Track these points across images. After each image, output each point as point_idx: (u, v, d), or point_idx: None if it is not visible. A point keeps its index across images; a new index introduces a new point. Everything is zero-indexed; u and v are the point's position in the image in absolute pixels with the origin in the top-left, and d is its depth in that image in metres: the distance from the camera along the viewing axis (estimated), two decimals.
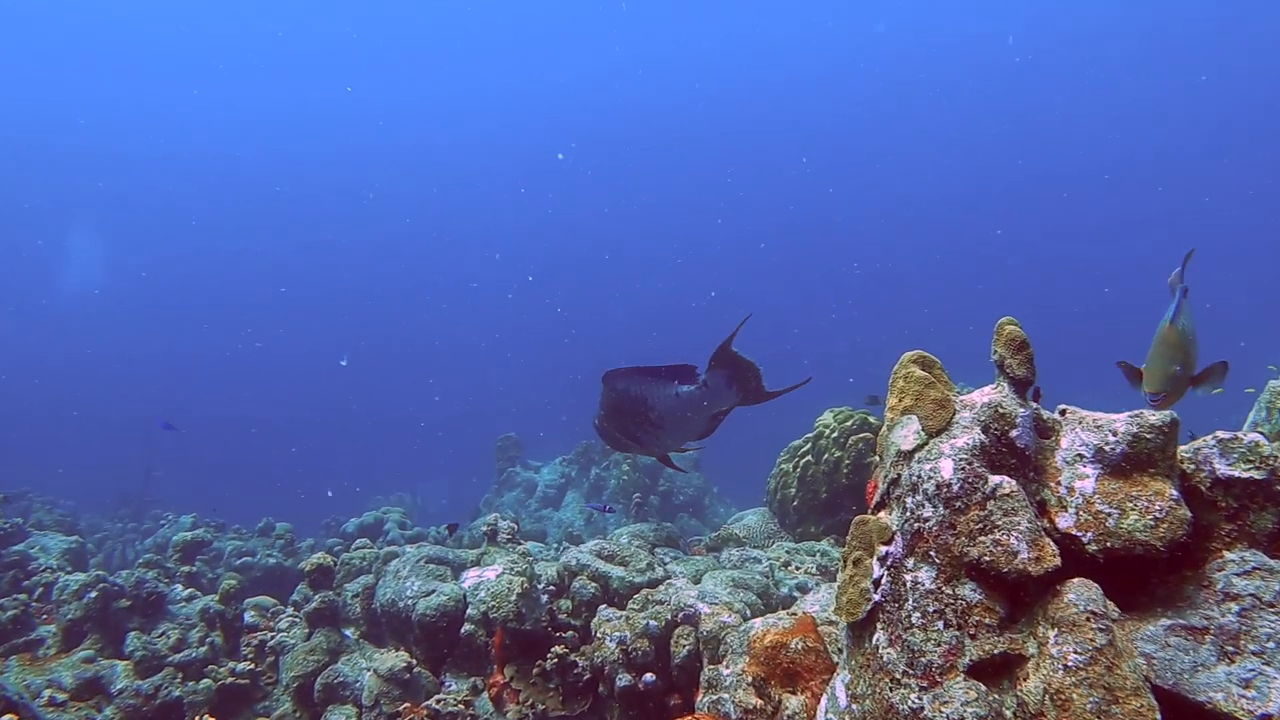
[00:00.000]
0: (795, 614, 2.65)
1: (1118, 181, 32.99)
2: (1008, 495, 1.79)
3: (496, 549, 3.86)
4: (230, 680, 3.78)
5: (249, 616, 4.20)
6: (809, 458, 4.67)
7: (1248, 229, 30.42)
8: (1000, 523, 1.77)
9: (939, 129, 34.01)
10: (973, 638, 1.74)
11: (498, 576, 3.50)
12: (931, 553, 1.83)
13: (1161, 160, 31.93)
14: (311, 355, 36.64)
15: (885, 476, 2.04)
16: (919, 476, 1.89)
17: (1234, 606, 1.71)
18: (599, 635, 3.11)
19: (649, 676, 2.99)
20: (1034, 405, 1.99)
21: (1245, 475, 1.78)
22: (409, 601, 3.57)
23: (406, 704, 3.26)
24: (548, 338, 35.79)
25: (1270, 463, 1.78)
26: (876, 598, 1.92)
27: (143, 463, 11.91)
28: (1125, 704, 1.56)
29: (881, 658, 1.86)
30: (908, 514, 1.90)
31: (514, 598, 3.35)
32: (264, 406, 32.91)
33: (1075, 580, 1.72)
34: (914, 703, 1.74)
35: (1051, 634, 1.68)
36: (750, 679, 2.42)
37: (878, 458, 4.37)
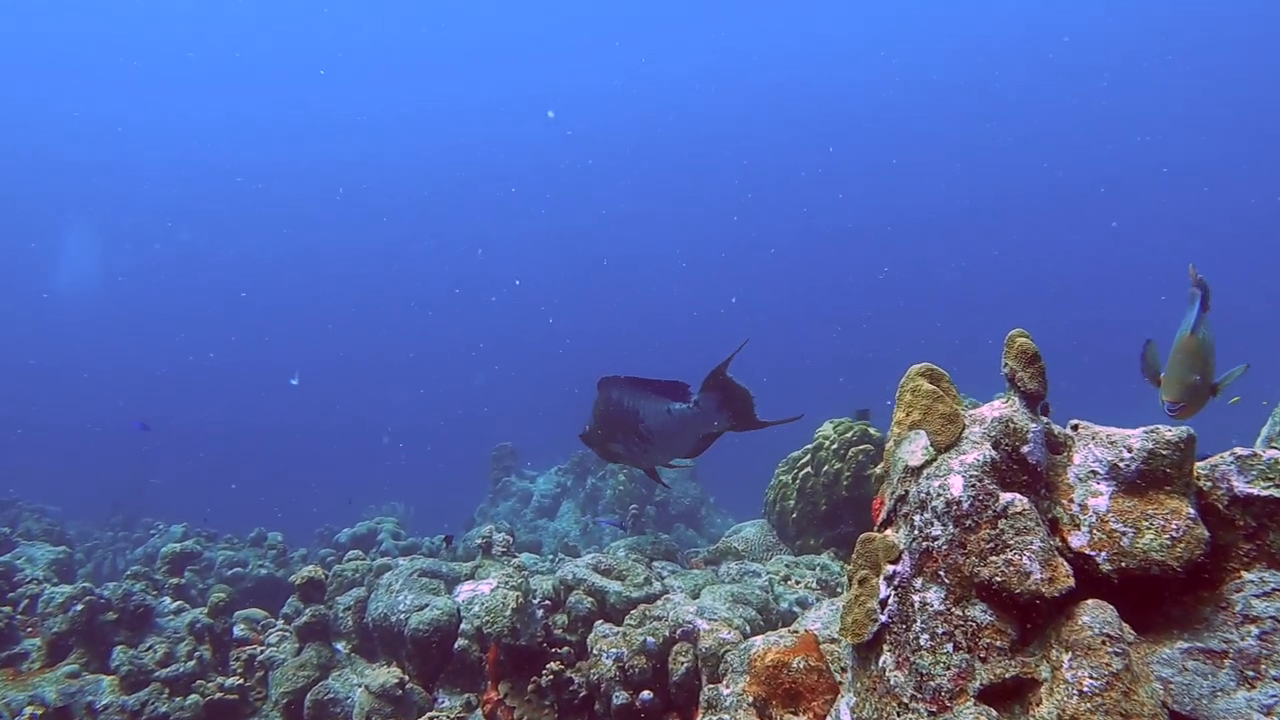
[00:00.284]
0: (797, 631, 2.59)
1: (1133, 191, 32.92)
2: (1020, 513, 1.73)
3: (491, 562, 3.80)
4: (219, 696, 3.70)
5: (238, 630, 4.13)
6: (808, 469, 4.61)
7: (1266, 238, 30.27)
8: (1012, 542, 1.71)
9: (951, 135, 33.99)
10: (983, 661, 1.69)
11: (492, 590, 3.44)
12: (941, 572, 1.77)
13: (1179, 168, 31.84)
14: (304, 362, 36.54)
15: (892, 493, 1.98)
16: (927, 493, 1.84)
17: (1254, 629, 1.65)
18: (595, 651, 3.04)
19: (646, 694, 2.93)
20: (1045, 420, 1.93)
21: (1265, 493, 1.73)
22: (401, 616, 3.51)
23: None
24: (542, 346, 35.73)
25: None
26: (883, 618, 1.86)
27: (134, 468, 11.81)
28: None
29: (889, 681, 1.80)
30: (916, 532, 1.84)
31: (509, 612, 3.28)
32: (256, 413, 32.74)
33: (1089, 602, 1.67)
34: None
35: (1065, 658, 1.63)
36: (751, 699, 2.35)
37: (879, 470, 4.31)
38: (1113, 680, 1.56)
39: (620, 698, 2.92)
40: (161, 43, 32.16)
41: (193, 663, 3.85)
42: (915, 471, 1.90)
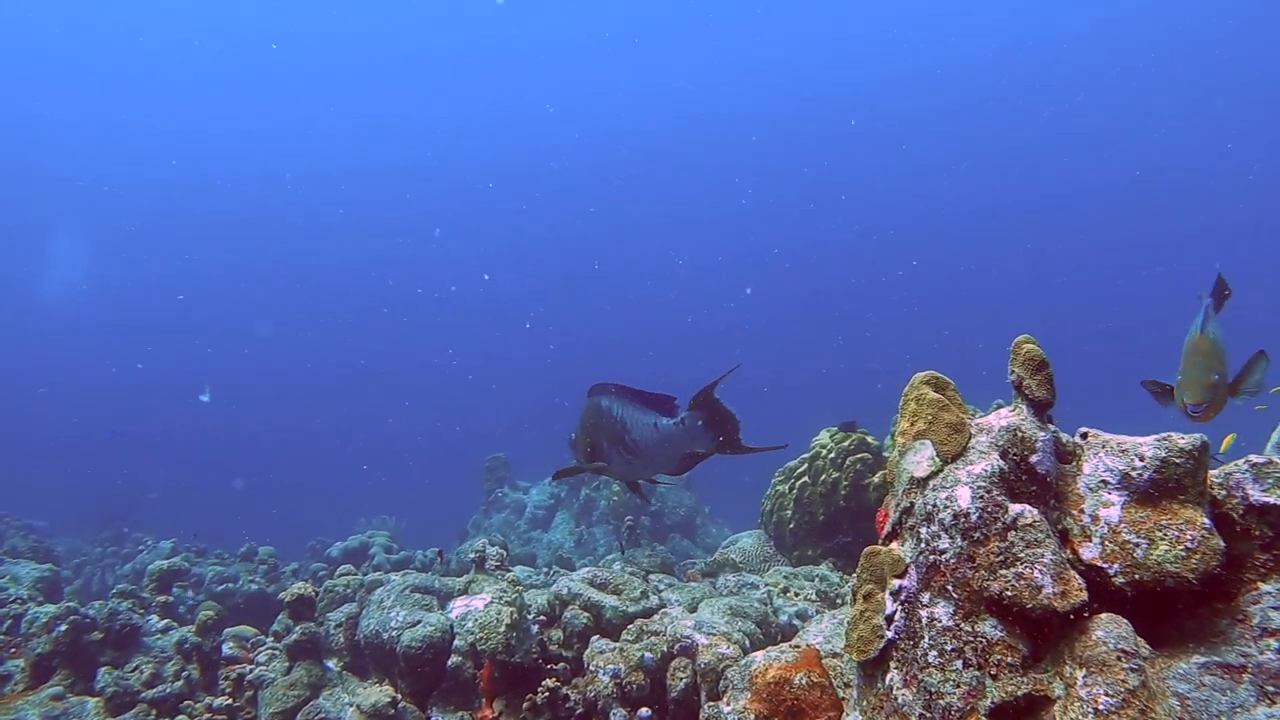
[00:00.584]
0: (798, 646, 2.53)
1: (1138, 195, 32.94)
2: (1030, 525, 1.68)
3: (485, 576, 3.73)
4: (207, 716, 3.62)
5: (227, 648, 4.04)
6: (805, 479, 4.56)
7: (1271, 240, 30.25)
8: (1023, 555, 1.66)
9: (952, 141, 34.01)
10: (994, 678, 1.63)
11: (486, 606, 3.37)
12: (949, 587, 1.72)
13: (1185, 173, 31.88)
14: (297, 370, 36.40)
15: (897, 505, 1.93)
16: (934, 505, 1.78)
17: (1273, 643, 1.60)
18: (592, 668, 2.98)
19: (644, 711, 2.87)
20: (1053, 428, 1.88)
21: None
22: (394, 633, 3.43)
23: None
24: (534, 356, 35.63)
25: None
26: (890, 635, 1.80)
27: (124, 481, 11.69)
28: None
29: (896, 699, 1.74)
30: (922, 545, 1.79)
31: (503, 628, 3.22)
32: (246, 424, 32.54)
33: (1103, 616, 1.62)
34: None
35: (1080, 674, 1.57)
36: (753, 716, 2.29)
37: (877, 480, 4.26)
38: (1129, 697, 1.51)
39: (618, 715, 2.86)
40: (151, 51, 32.08)
41: (180, 683, 3.77)
42: (921, 483, 1.85)
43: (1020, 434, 1.81)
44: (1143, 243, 33.07)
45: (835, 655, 2.57)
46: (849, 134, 35.07)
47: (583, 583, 3.48)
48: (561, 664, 3.24)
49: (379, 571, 5.41)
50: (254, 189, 36.34)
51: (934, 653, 1.69)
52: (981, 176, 34.61)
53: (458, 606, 3.50)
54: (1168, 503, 1.71)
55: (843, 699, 2.32)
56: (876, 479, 4.29)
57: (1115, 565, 1.69)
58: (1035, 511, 1.70)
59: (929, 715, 1.66)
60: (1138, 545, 1.69)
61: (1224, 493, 1.75)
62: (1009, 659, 1.63)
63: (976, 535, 1.71)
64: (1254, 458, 1.73)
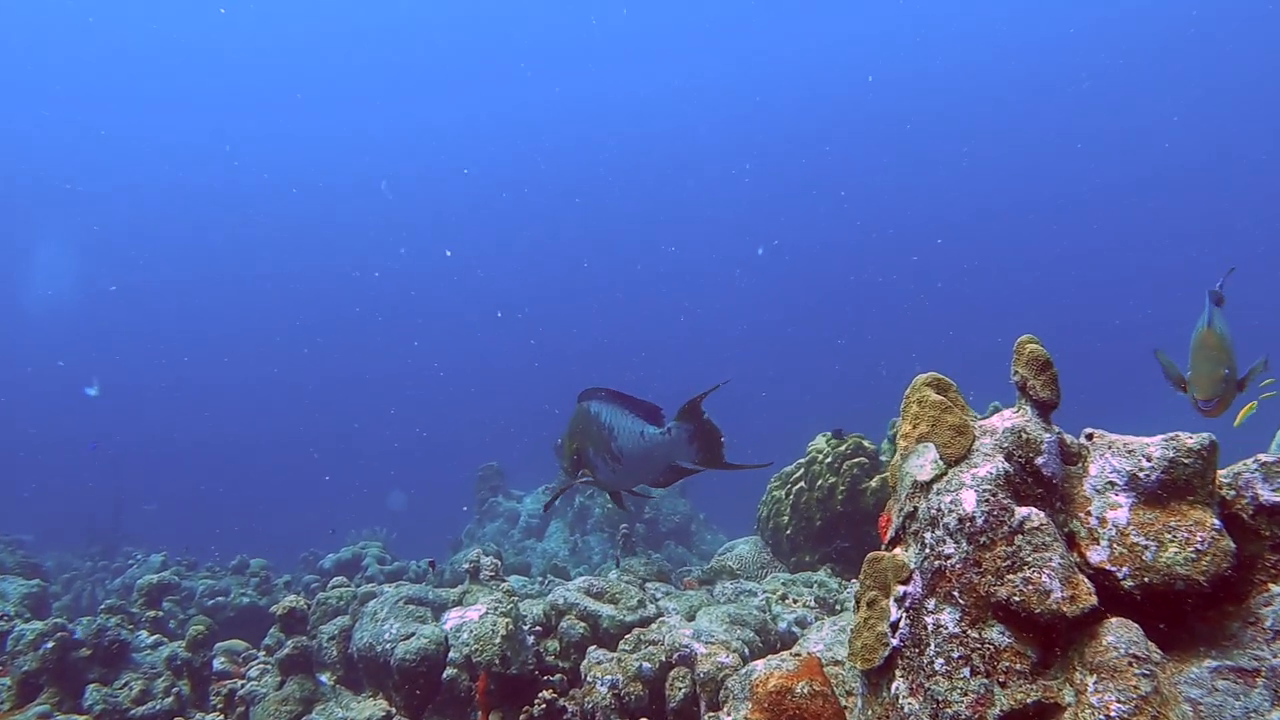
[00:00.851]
0: (799, 654, 2.49)
1: (1138, 195, 33.01)
2: (1037, 529, 1.64)
3: (479, 587, 3.68)
4: None
5: (219, 663, 3.99)
6: (802, 484, 4.52)
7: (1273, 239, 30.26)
8: (1030, 559, 1.62)
9: (948, 144, 34.06)
10: (1003, 686, 1.59)
11: (481, 617, 3.32)
12: (955, 593, 1.68)
13: (1187, 173, 31.92)
14: (290, 378, 36.24)
15: (900, 510, 1.89)
16: (939, 509, 1.74)
17: None
18: (589, 679, 2.93)
19: None
20: (1057, 429, 1.84)
21: None
22: (387, 645, 3.38)
23: None
24: (528, 365, 35.56)
25: None
26: (895, 642, 1.76)
27: (114, 493, 11.58)
28: None
29: (902, 708, 1.70)
30: (927, 550, 1.75)
31: (498, 640, 3.17)
32: (237, 432, 32.38)
33: (1113, 621, 1.58)
34: None
35: (1090, 681, 1.53)
36: None
37: (874, 484, 4.23)
38: (1141, 704, 1.47)
39: None
40: (144, 56, 31.95)
41: (170, 699, 3.71)
42: (925, 486, 1.81)
43: (1025, 436, 1.77)
44: (1141, 242, 33.11)
45: (837, 663, 2.53)
46: (849, 134, 35.10)
47: (579, 592, 3.43)
48: (558, 675, 3.20)
49: (372, 583, 5.35)
50: (241, 195, 36.23)
51: (941, 660, 1.65)
52: (980, 176, 34.71)
53: (452, 618, 3.45)
54: (1176, 504, 1.67)
55: (845, 708, 2.28)
56: (874, 483, 4.26)
57: (1124, 568, 1.66)
58: (1042, 515, 1.66)
59: None
60: (1147, 547, 1.65)
61: (1233, 493, 1.71)
62: (1017, 666, 1.59)
63: (982, 540, 1.67)
64: (1263, 456, 1.70)
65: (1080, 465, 1.81)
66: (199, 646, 3.90)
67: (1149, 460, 1.70)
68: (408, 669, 3.27)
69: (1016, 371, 1.85)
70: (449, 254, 37.63)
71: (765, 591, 3.65)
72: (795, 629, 3.28)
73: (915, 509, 1.82)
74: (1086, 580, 1.61)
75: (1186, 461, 1.67)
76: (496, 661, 3.14)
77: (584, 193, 38.32)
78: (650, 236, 38.42)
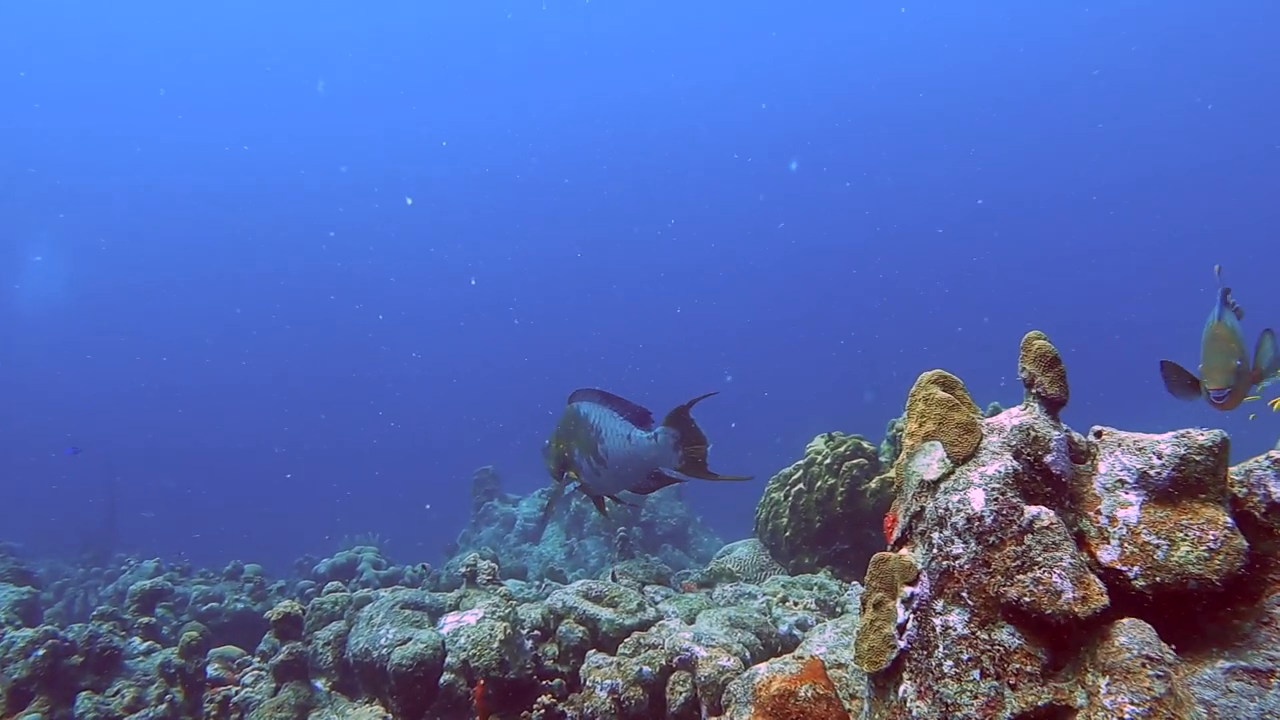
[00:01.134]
0: (802, 657, 2.46)
1: (1145, 194, 32.97)
2: (1047, 528, 1.61)
3: (476, 591, 3.64)
4: None
5: (213, 669, 3.94)
6: (801, 485, 4.49)
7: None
8: (1040, 559, 1.59)
9: (946, 142, 34.08)
10: (1013, 688, 1.56)
11: (478, 621, 3.28)
12: (963, 594, 1.65)
13: (1193, 171, 31.90)
14: (285, 382, 36.12)
15: (906, 509, 1.86)
16: (946, 509, 1.71)
17: None
18: (589, 683, 2.90)
19: None
20: (1066, 428, 1.82)
21: None
22: (383, 650, 3.34)
23: None
24: (523, 367, 35.50)
25: None
26: (902, 645, 1.73)
27: (106, 500, 11.52)
28: None
29: (910, 712, 1.67)
30: (935, 551, 1.72)
31: (496, 644, 3.13)
32: (228, 436, 32.25)
33: (1125, 621, 1.55)
34: None
35: (1103, 682, 1.50)
36: None
37: (874, 485, 4.20)
38: (1156, 706, 1.44)
39: None
40: (139, 56, 31.87)
41: (164, 706, 3.66)
42: (932, 486, 1.78)
43: (1033, 433, 1.74)
44: (1147, 240, 33.08)
45: (840, 666, 2.50)
46: (854, 132, 35.11)
47: (578, 595, 3.40)
48: (557, 680, 3.16)
49: (368, 588, 5.31)
50: (236, 197, 36.13)
51: (949, 662, 1.62)
52: (982, 175, 34.64)
53: (449, 622, 3.41)
54: (1188, 502, 1.65)
55: (849, 711, 2.24)
56: (874, 485, 4.23)
57: (1135, 568, 1.63)
58: (1052, 513, 1.63)
59: None
60: (1158, 546, 1.62)
61: (1245, 490, 1.69)
62: (1028, 668, 1.57)
63: (991, 539, 1.64)
64: (1275, 453, 1.68)
65: (1089, 463, 1.79)
66: (193, 653, 3.85)
67: (1160, 458, 1.67)
68: (404, 674, 3.23)
69: (1024, 368, 1.82)
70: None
71: (765, 594, 3.62)
72: (796, 632, 3.25)
73: (922, 508, 1.79)
74: (1098, 580, 1.58)
75: (1198, 459, 1.64)
76: (494, 666, 3.10)
77: (583, 192, 38.32)
78: (650, 235, 38.39)
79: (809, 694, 2.22)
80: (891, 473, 4.19)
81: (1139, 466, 1.69)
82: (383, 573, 6.48)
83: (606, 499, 4.07)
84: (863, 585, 3.76)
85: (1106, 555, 1.66)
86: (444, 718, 3.23)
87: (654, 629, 3.11)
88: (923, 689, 1.66)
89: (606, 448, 3.63)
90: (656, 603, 3.48)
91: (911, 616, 1.73)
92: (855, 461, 4.30)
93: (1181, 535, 1.61)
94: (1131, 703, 1.45)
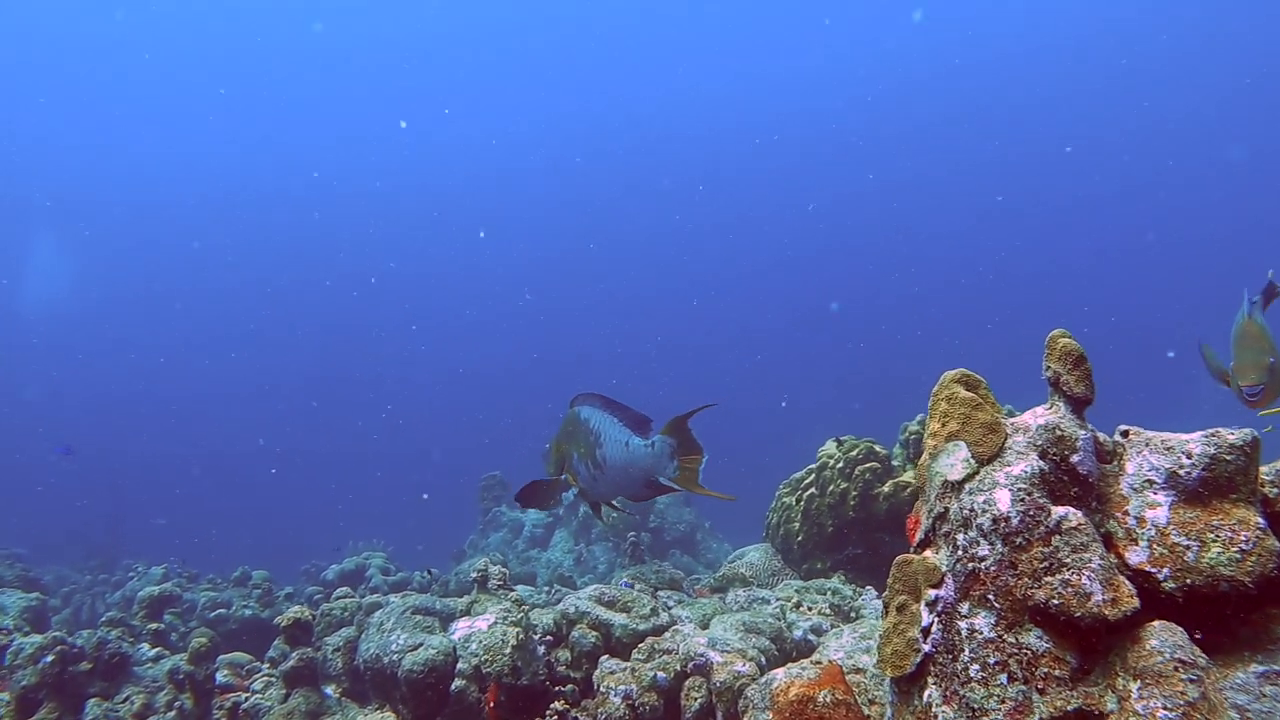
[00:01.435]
0: (819, 662, 2.43)
1: (1160, 196, 32.84)
2: (1075, 529, 1.58)
3: (488, 596, 3.61)
4: None
5: (222, 676, 3.91)
6: (813, 490, 4.46)
7: None
8: (1069, 560, 1.56)
9: (952, 145, 34.01)
10: (1041, 692, 1.53)
11: (490, 627, 3.26)
12: (990, 596, 1.62)
13: (1211, 171, 31.76)
14: (286, 385, 36.13)
15: (930, 511, 1.83)
16: (972, 510, 1.68)
17: None
18: (602, 689, 2.87)
19: None
20: (1091, 427, 1.79)
21: None
22: (394, 656, 3.31)
23: None
24: (532, 373, 35.46)
25: None
26: (927, 648, 1.70)
27: (110, 505, 11.51)
28: None
29: (935, 717, 1.64)
30: (960, 552, 1.69)
31: (508, 650, 3.10)
32: (232, 440, 32.22)
33: (1156, 624, 1.52)
34: None
35: (1134, 687, 1.47)
36: None
37: (887, 489, 4.17)
38: (1189, 711, 1.41)
39: None
40: (141, 59, 31.98)
41: (173, 713, 3.64)
42: (956, 486, 1.75)
43: (1059, 433, 1.71)
44: (1168, 242, 32.87)
45: (858, 671, 2.46)
46: (870, 133, 35.04)
47: (590, 600, 3.37)
48: (570, 685, 3.13)
49: (376, 594, 5.28)
50: (240, 202, 36.21)
51: (976, 666, 1.59)
52: (995, 177, 34.46)
53: (460, 628, 3.38)
54: (1218, 502, 1.62)
55: (868, 716, 2.21)
56: (887, 489, 4.20)
57: (1165, 569, 1.60)
58: (1080, 514, 1.60)
59: None
60: (1188, 548, 1.59)
61: (1275, 490, 1.66)
62: (1056, 671, 1.53)
63: (1018, 540, 1.61)
64: None
65: (1116, 463, 1.76)
66: (201, 659, 3.83)
67: (1189, 457, 1.64)
68: (415, 680, 3.20)
69: (1048, 367, 1.79)
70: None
71: (779, 599, 3.59)
72: (811, 637, 3.22)
73: (946, 509, 1.76)
74: (1128, 583, 1.55)
75: (1229, 458, 1.61)
76: (507, 672, 3.07)
77: (594, 198, 38.30)
78: (662, 240, 38.35)
79: (828, 699, 2.19)
80: (905, 476, 4.16)
81: (1168, 466, 1.66)
82: (391, 579, 6.46)
83: (605, 506, 4.04)
84: (876, 590, 3.73)
85: (1135, 557, 1.63)
86: None
87: (668, 634, 3.08)
88: (948, 693, 1.63)
89: (605, 453, 3.61)
90: (670, 608, 3.45)
91: (936, 620, 1.70)
92: (868, 465, 4.27)
93: (1212, 536, 1.58)
94: (1164, 707, 1.42)
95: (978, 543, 1.65)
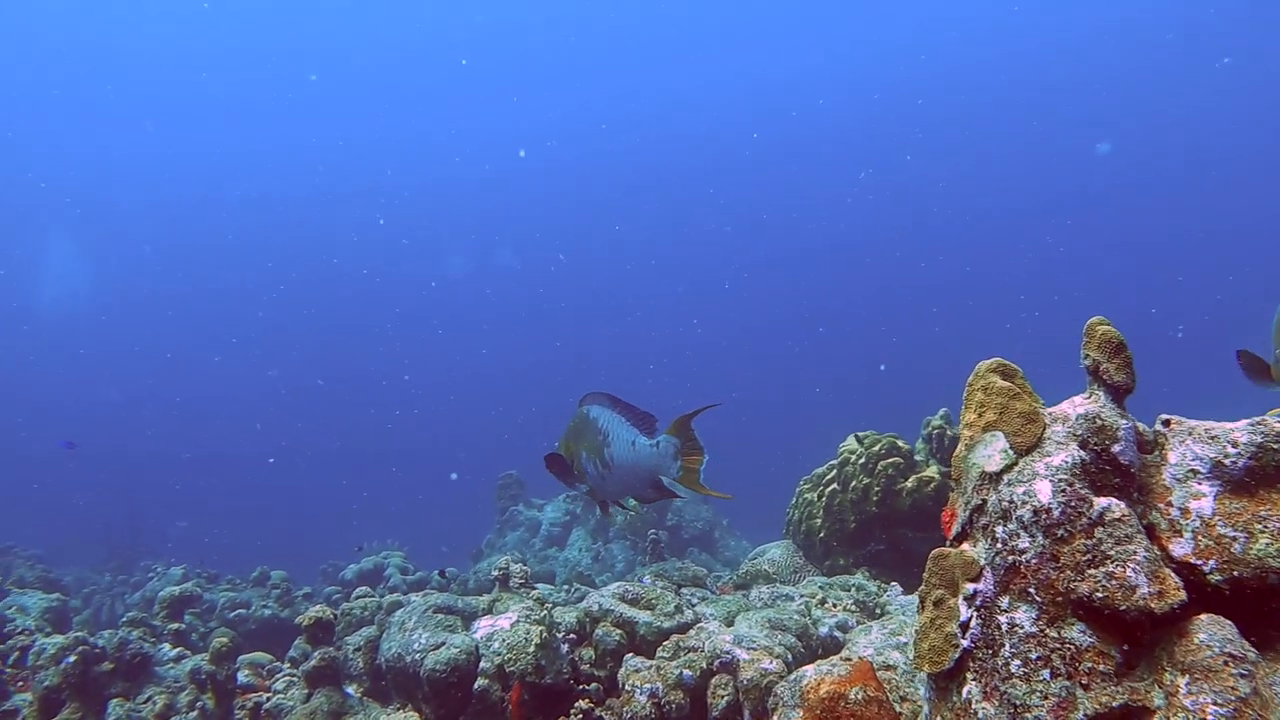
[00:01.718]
0: (849, 659, 2.39)
1: (1161, 193, 32.62)
2: (1119, 520, 1.54)
3: (509, 595, 3.59)
4: None
5: (243, 676, 3.90)
6: (835, 486, 4.42)
7: None
8: (1113, 552, 1.52)
9: (960, 138, 33.84)
10: (1086, 688, 1.49)
11: (513, 625, 3.23)
12: (1030, 589, 1.58)
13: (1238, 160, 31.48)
14: (294, 386, 36.23)
15: (966, 503, 1.79)
16: (1011, 501, 1.65)
17: None
18: (627, 688, 2.84)
19: None
20: (1131, 416, 1.74)
21: None
22: (416, 656, 3.29)
23: None
24: (547, 373, 35.44)
25: None
26: (965, 643, 1.66)
27: (127, 507, 11.56)
28: None
29: (976, 714, 1.60)
30: (999, 545, 1.65)
31: (532, 648, 3.08)
32: (244, 441, 32.34)
33: (1204, 617, 1.48)
34: None
35: (1182, 682, 1.43)
36: None
37: (910, 484, 4.12)
38: (1241, 706, 1.37)
39: None
40: (147, 61, 32.12)
41: (194, 713, 3.63)
42: (994, 478, 1.71)
43: (1100, 422, 1.67)
44: (1205, 234, 32.53)
45: (889, 667, 2.43)
46: (865, 135, 34.90)
47: (614, 598, 3.34)
48: (594, 684, 3.10)
49: (395, 593, 5.27)
50: (257, 202, 36.37)
51: (1017, 662, 1.55)
52: (1019, 169, 34.25)
53: (483, 626, 3.36)
54: (1265, 492, 1.57)
55: (900, 714, 2.18)
56: (910, 484, 4.15)
57: (1210, 562, 1.56)
58: (1123, 505, 1.56)
59: None
60: (1235, 539, 1.55)
61: None
62: (1101, 666, 1.50)
63: (1060, 532, 1.57)
64: None
65: (1157, 453, 1.71)
66: (223, 659, 3.82)
67: (1235, 446, 1.60)
68: (438, 680, 3.18)
69: (1087, 355, 1.75)
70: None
71: (803, 596, 3.55)
72: (837, 633, 3.18)
73: (984, 502, 1.72)
74: (1174, 575, 1.51)
75: (1276, 446, 1.56)
76: (530, 670, 3.04)
77: (612, 195, 38.26)
78: (684, 235, 38.26)
79: (859, 696, 2.15)
80: (929, 471, 4.11)
81: (1212, 456, 1.62)
82: (410, 578, 6.45)
83: (614, 505, 4.03)
84: (901, 586, 3.68)
85: (1179, 549, 1.59)
86: None
87: (693, 631, 3.05)
88: (989, 689, 1.59)
89: (613, 452, 3.60)
90: (694, 605, 3.42)
91: (975, 614, 1.66)
92: (891, 460, 4.23)
93: (1260, 527, 1.54)
94: (1215, 703, 1.38)
95: (1018, 535, 1.62)
